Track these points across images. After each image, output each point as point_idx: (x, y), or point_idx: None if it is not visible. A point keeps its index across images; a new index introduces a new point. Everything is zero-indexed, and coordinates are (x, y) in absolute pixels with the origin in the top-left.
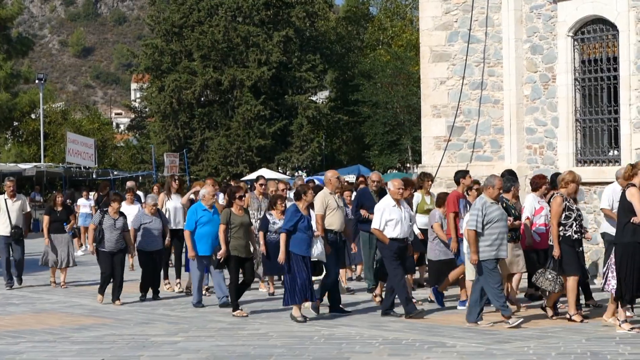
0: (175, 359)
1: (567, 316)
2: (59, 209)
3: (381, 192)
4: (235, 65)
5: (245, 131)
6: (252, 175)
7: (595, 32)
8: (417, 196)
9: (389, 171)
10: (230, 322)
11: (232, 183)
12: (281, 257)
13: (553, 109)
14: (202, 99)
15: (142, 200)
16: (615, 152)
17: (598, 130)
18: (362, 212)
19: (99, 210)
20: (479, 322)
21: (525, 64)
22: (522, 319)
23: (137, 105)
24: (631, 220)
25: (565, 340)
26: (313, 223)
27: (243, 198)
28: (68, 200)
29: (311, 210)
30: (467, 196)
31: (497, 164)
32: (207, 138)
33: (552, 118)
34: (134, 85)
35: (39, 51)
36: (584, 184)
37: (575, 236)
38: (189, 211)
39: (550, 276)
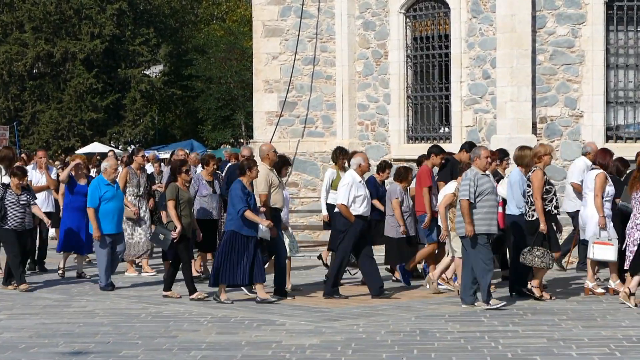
0: None
1: (534, 295)
2: None
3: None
4: (68, 38)
5: (77, 104)
6: (85, 150)
7: (427, 10)
8: (332, 172)
9: (222, 146)
10: (56, 299)
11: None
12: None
13: (385, 85)
14: (34, 71)
15: None
16: (447, 130)
17: (429, 107)
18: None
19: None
20: (491, 303)
21: (357, 40)
22: (504, 302)
23: None
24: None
25: (394, 318)
26: None
27: (189, 172)
28: None
29: None
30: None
31: (329, 140)
32: (38, 111)
33: (384, 95)
34: None
35: None
36: (413, 161)
37: (555, 211)
38: (91, 187)
39: (539, 253)
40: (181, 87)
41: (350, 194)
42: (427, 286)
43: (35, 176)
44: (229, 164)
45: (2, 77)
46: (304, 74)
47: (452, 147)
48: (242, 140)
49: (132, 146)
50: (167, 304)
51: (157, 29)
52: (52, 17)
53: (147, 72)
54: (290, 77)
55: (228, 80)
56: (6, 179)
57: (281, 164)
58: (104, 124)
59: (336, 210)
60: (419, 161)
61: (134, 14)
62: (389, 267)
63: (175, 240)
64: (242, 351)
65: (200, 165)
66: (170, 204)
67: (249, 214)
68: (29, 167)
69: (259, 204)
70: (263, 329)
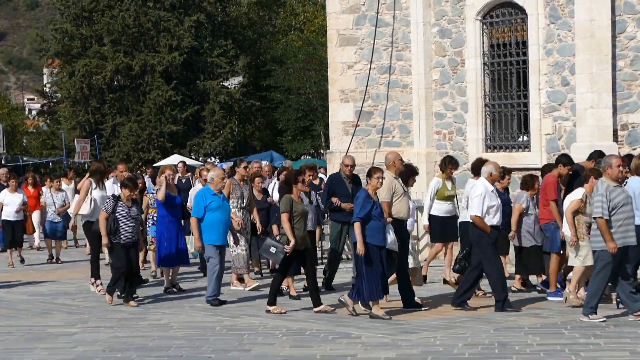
0: (70, 351)
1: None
2: None
3: (354, 178)
4: (146, 50)
5: (157, 117)
6: (165, 162)
7: (504, 16)
8: (437, 181)
9: (302, 157)
10: (131, 312)
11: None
12: (360, 248)
13: (462, 93)
14: (114, 84)
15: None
16: (525, 138)
17: (507, 116)
18: (334, 199)
19: (110, 197)
20: (590, 316)
21: (433, 48)
22: (603, 318)
23: (47, 90)
24: None
25: (473, 331)
26: None
27: (305, 182)
28: None
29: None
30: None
31: (406, 150)
32: (118, 124)
33: (461, 103)
34: (46, 71)
35: None
36: None
37: None
38: (196, 197)
39: None
40: (260, 98)
41: (484, 204)
42: (565, 301)
43: (117, 190)
44: (331, 174)
45: (82, 91)
46: (379, 82)
47: (531, 156)
48: (322, 151)
49: (212, 158)
50: (243, 317)
51: (235, 40)
52: (131, 30)
53: (226, 84)
54: (366, 87)
55: (307, 91)
56: (96, 193)
57: (409, 174)
58: (184, 135)
59: (462, 220)
60: (543, 170)
61: (212, 26)
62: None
63: (287, 255)
64: None
65: (276, 176)
66: (285, 217)
67: (357, 225)
68: (109, 181)
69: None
70: (338, 342)
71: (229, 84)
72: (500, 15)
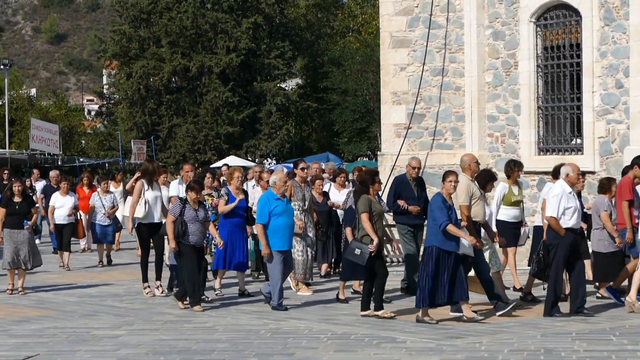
0: (113, 354)
1: None
2: (18, 200)
3: (419, 181)
4: (204, 52)
5: (213, 118)
6: (220, 163)
7: (558, 18)
8: (504, 186)
9: (358, 159)
10: (177, 315)
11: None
12: (478, 242)
13: (515, 96)
14: (171, 85)
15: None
16: (578, 141)
17: (560, 118)
18: (401, 202)
19: (177, 200)
20: None
21: (487, 50)
22: None
23: (105, 92)
24: None
25: (519, 336)
26: None
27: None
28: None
29: None
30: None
31: (459, 152)
32: (175, 125)
33: (514, 105)
34: (105, 72)
35: (12, 37)
36: (546, 173)
37: None
38: (260, 202)
39: None
40: (317, 99)
41: (560, 205)
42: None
43: (182, 191)
44: (396, 176)
45: (139, 92)
46: (432, 85)
47: (584, 159)
48: (378, 153)
49: (268, 159)
50: (289, 320)
51: (293, 42)
52: (189, 32)
53: (283, 85)
54: (419, 89)
55: (364, 93)
56: (149, 194)
57: (487, 179)
58: (240, 137)
59: (535, 224)
60: (624, 171)
61: (270, 28)
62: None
63: (372, 254)
64: None
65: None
66: (365, 217)
67: (451, 227)
68: (174, 182)
69: (459, 217)
70: (383, 347)
71: (286, 86)
72: (555, 17)
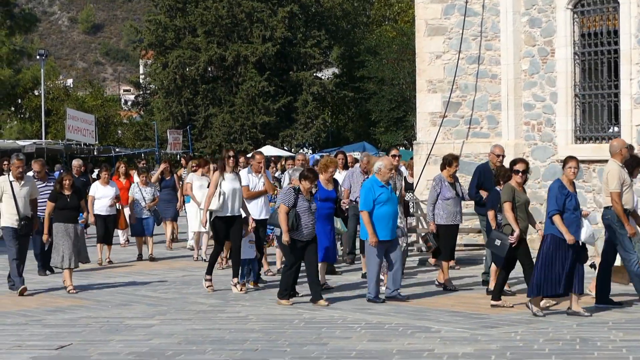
0: (145, 344)
1: None
2: (68, 193)
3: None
4: (240, 41)
5: (249, 107)
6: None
7: (596, 5)
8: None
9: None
10: (211, 304)
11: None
12: (569, 238)
13: (552, 84)
14: (207, 74)
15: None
16: (616, 129)
17: (598, 106)
18: (483, 193)
19: (291, 189)
20: None
21: (523, 38)
22: None
23: (142, 82)
24: None
25: (555, 325)
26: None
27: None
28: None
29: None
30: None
31: (494, 141)
32: (211, 114)
33: (551, 93)
34: (141, 63)
35: (49, 28)
36: (583, 161)
37: None
38: (363, 189)
39: None
40: (353, 89)
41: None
42: None
43: (253, 180)
44: (480, 164)
45: (175, 82)
46: (468, 73)
47: None
48: (414, 142)
49: (304, 149)
50: (323, 310)
51: (329, 31)
52: (224, 21)
53: (319, 75)
54: (454, 77)
55: (400, 82)
56: (225, 185)
57: (635, 164)
58: (276, 126)
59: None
60: None
61: (306, 17)
62: None
63: (513, 245)
64: None
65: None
66: (507, 206)
67: (557, 218)
68: (244, 171)
69: (609, 203)
70: (417, 336)
71: (322, 75)
72: (592, 4)
